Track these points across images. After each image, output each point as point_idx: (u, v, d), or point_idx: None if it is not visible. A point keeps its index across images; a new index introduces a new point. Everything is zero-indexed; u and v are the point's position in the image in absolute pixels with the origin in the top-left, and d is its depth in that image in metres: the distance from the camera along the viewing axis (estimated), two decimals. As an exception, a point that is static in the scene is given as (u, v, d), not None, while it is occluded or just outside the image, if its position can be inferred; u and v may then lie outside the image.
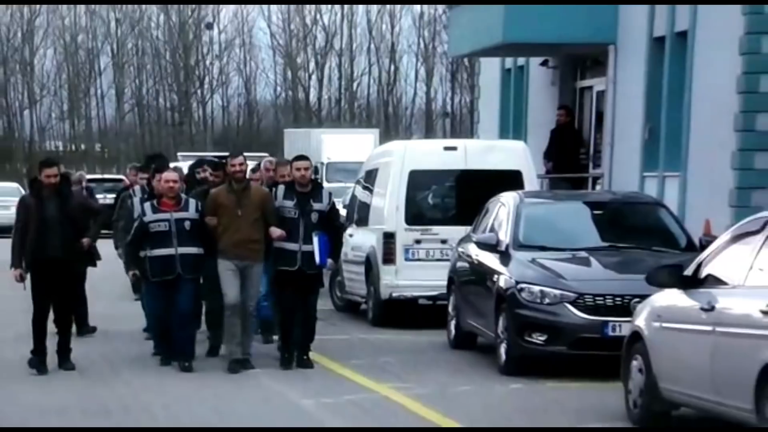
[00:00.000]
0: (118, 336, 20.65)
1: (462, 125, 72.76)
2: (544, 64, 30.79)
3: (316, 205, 17.00)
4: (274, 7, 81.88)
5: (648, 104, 26.03)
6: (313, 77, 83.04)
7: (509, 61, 33.24)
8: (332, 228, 17.30)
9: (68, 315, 17.43)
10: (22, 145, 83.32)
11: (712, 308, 12.41)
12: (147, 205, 17.23)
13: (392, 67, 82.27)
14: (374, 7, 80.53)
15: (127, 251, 18.23)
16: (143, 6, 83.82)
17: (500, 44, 28.80)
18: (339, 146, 46.12)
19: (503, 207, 18.35)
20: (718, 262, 12.88)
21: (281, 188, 17.22)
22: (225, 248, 16.92)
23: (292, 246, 16.94)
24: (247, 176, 18.05)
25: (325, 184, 32.26)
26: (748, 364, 11.59)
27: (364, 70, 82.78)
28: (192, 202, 17.16)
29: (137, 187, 20.45)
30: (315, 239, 16.78)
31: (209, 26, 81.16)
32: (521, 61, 32.35)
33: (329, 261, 17.12)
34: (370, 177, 22.93)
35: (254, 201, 16.93)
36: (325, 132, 50.44)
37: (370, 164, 23.78)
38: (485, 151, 22.10)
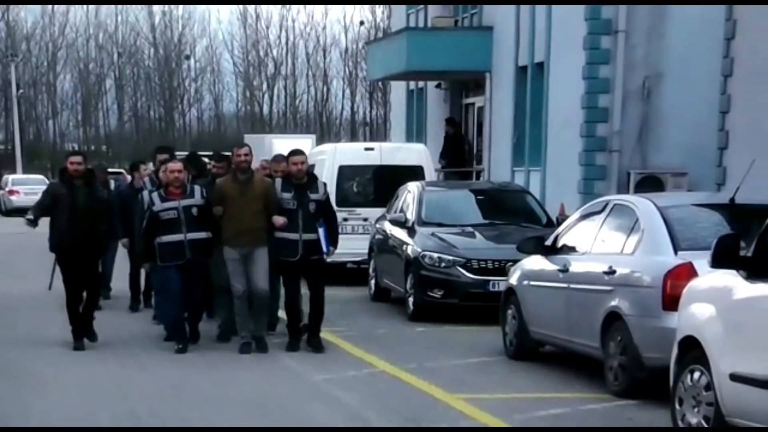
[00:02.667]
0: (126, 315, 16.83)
1: (378, 132, 72.42)
2: (438, 86, 30.70)
3: (313, 195, 13.80)
4: (236, 43, 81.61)
5: (515, 117, 25.98)
6: (266, 96, 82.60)
7: (412, 84, 33.11)
8: (328, 215, 13.99)
9: (98, 294, 14.52)
10: (47, 146, 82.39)
11: (567, 270, 12.32)
12: (155, 195, 13.87)
13: (325, 89, 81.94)
14: (311, 43, 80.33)
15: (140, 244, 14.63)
16: (138, 41, 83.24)
17: (404, 71, 28.70)
18: (285, 147, 45.47)
19: (410, 193, 18.16)
20: (571, 234, 12.77)
21: (279, 181, 13.88)
22: (229, 236, 13.65)
23: (292, 236, 13.62)
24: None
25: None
26: (595, 313, 11.52)
27: (304, 91, 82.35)
28: (197, 188, 13.89)
29: (146, 179, 16.40)
30: (320, 230, 13.65)
31: (187, 57, 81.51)
32: (421, 84, 32.23)
33: (331, 249, 13.88)
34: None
35: (257, 191, 13.71)
36: (275, 137, 49.86)
37: (309, 161, 23.48)
38: (395, 151, 21.84)
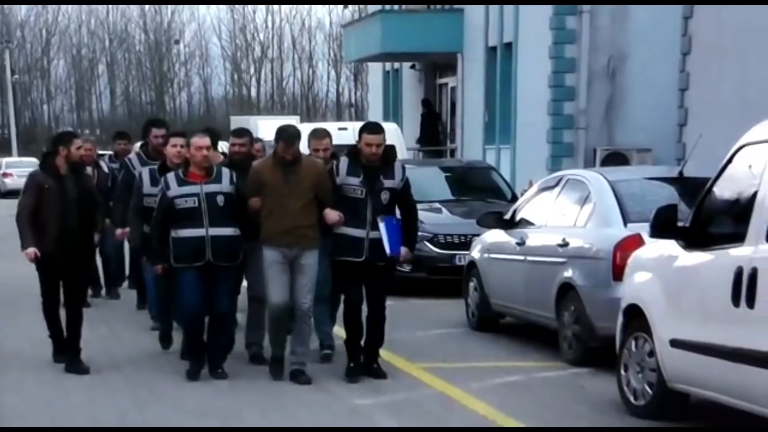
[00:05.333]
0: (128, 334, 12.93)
1: (363, 113, 72.51)
2: (412, 67, 30.79)
3: (388, 183, 10.21)
4: (224, 27, 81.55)
5: (486, 96, 26.01)
6: (253, 79, 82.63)
7: (388, 65, 33.12)
8: (406, 208, 10.48)
9: (79, 309, 10.87)
10: (42, 130, 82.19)
11: (524, 243, 12.31)
12: (171, 176, 10.33)
13: (311, 71, 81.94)
14: (297, 27, 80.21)
15: (142, 240, 11.28)
16: (129, 27, 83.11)
17: (379, 53, 28.73)
18: (270, 128, 45.40)
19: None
20: (528, 209, 12.77)
21: (344, 161, 10.22)
22: (271, 236, 10.11)
23: (357, 232, 10.15)
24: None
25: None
26: (550, 284, 11.53)
27: (290, 73, 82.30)
28: (225, 172, 10.35)
29: (133, 155, 13.61)
30: (381, 225, 10.11)
31: (177, 42, 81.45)
32: (396, 65, 32.26)
33: (403, 250, 10.27)
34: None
35: (307, 177, 10.10)
36: (260, 118, 49.73)
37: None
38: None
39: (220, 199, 10.20)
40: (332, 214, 10.10)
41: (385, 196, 10.23)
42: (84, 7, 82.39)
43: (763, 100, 10.94)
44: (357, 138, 10.27)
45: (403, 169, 10.48)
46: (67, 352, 10.83)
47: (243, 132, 11.49)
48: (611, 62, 21.82)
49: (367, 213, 10.18)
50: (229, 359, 10.70)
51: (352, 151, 10.31)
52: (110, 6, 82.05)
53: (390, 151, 10.41)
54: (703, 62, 17.23)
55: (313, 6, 76.22)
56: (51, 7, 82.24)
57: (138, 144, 15.42)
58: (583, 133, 22.01)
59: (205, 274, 10.18)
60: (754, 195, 7.63)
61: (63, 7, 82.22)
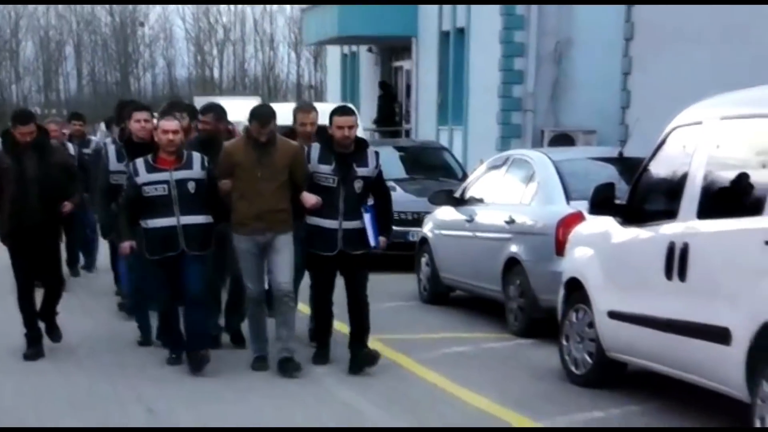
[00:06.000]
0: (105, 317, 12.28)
1: (323, 94, 72.34)
2: (369, 50, 30.74)
3: (361, 171, 9.48)
4: (188, 10, 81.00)
5: (440, 79, 26.07)
6: (216, 60, 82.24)
7: (346, 48, 33.07)
8: (380, 197, 9.75)
9: (58, 283, 10.42)
10: (10, 110, 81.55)
11: (472, 220, 12.43)
12: (140, 162, 9.47)
13: (272, 53, 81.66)
14: (258, 10, 79.81)
15: (112, 221, 10.33)
16: (95, 10, 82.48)
17: (336, 36, 28.70)
18: (232, 108, 45.18)
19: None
20: (477, 187, 12.88)
21: (315, 148, 9.45)
22: (242, 220, 9.39)
23: (329, 223, 9.42)
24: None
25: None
26: (497, 259, 11.66)
27: (252, 55, 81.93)
28: (197, 157, 9.49)
29: (109, 140, 12.60)
30: (366, 216, 9.45)
31: (142, 24, 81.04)
32: (354, 48, 32.22)
33: (381, 239, 9.60)
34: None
35: (281, 159, 9.33)
36: (223, 98, 49.49)
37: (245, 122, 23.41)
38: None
39: (191, 186, 9.38)
40: (310, 198, 9.35)
41: (358, 185, 9.48)
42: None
43: (701, 85, 11.07)
44: (328, 123, 9.45)
45: (377, 156, 9.67)
46: (42, 315, 10.41)
47: (207, 109, 10.66)
48: (558, 47, 21.94)
49: (340, 203, 9.43)
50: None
51: (326, 137, 9.46)
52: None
53: (360, 138, 9.73)
54: (645, 47, 17.38)
55: (275, -10, 75.85)
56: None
57: (103, 124, 14.74)
58: (531, 115, 22.13)
59: (178, 261, 9.43)
60: (685, 174, 7.77)
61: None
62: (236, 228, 9.46)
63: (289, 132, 10.00)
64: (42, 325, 10.49)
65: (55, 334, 10.52)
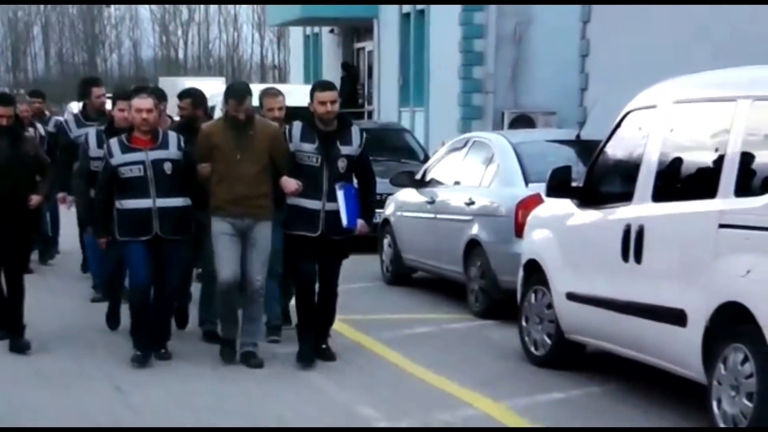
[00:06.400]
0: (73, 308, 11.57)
1: (286, 75, 72.19)
2: (331, 31, 30.64)
3: (345, 149, 8.90)
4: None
5: (401, 60, 26.01)
6: (180, 41, 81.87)
7: (308, 29, 32.95)
8: (365, 177, 9.13)
9: (20, 284, 9.61)
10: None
11: (434, 201, 12.42)
12: (114, 142, 9.01)
13: (236, 34, 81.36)
14: (222, -10, 79.62)
15: (87, 207, 10.26)
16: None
17: (299, 18, 28.62)
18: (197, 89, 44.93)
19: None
20: (438, 169, 12.86)
21: (297, 126, 8.92)
22: (220, 204, 8.94)
23: (312, 204, 8.87)
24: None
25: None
26: (458, 240, 11.66)
27: (216, 36, 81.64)
28: (173, 136, 9.08)
29: (69, 116, 12.46)
30: (339, 194, 8.84)
31: (107, 5, 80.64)
32: (316, 29, 32.10)
33: (359, 222, 8.95)
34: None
35: (261, 141, 8.89)
36: (187, 79, 49.20)
37: (216, 101, 23.30)
38: (287, 93, 21.71)
39: (167, 167, 8.90)
40: (290, 183, 8.79)
41: (342, 164, 8.89)
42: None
43: (657, 68, 11.06)
44: (309, 100, 8.91)
45: (362, 134, 9.08)
46: (6, 327, 9.65)
47: (184, 94, 10.36)
48: (518, 28, 21.89)
49: (323, 182, 8.84)
50: (179, 337, 9.81)
51: (307, 116, 8.91)
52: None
53: (343, 115, 9.16)
54: (602, 30, 17.37)
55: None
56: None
57: (73, 104, 14.39)
58: (492, 97, 22.08)
59: (153, 247, 8.92)
60: (640, 157, 7.77)
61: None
62: (214, 211, 9.00)
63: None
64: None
65: (19, 341, 9.53)
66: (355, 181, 9.12)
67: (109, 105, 11.90)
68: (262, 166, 8.92)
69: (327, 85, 9.15)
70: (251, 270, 9.00)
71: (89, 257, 12.23)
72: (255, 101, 9.43)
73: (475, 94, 22.26)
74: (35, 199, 9.53)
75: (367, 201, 9.12)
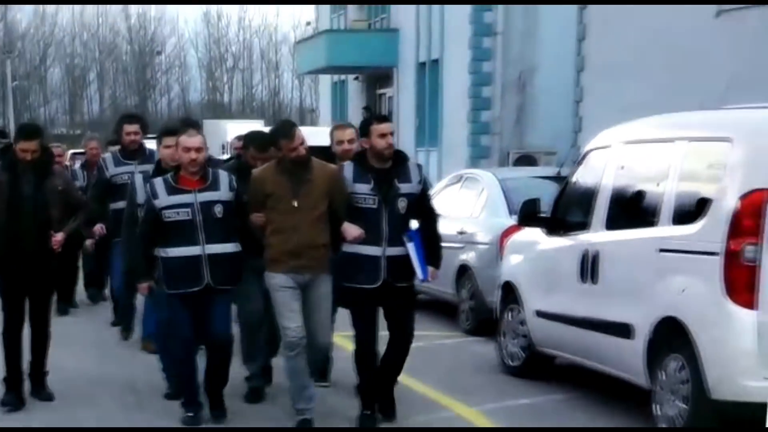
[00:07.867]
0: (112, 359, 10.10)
1: (318, 118, 72.86)
2: (356, 79, 31.08)
3: (404, 187, 7.40)
4: (200, 40, 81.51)
5: (417, 105, 26.40)
6: (226, 86, 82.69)
7: (335, 77, 33.40)
8: (426, 218, 7.54)
9: (45, 327, 8.34)
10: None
11: (430, 231, 12.68)
12: (159, 182, 7.53)
13: (277, 80, 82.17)
14: (265, 40, 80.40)
15: (130, 253, 8.11)
16: (117, 40, 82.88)
17: (325, 66, 29.03)
18: (237, 131, 45.16)
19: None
20: (436, 201, 13.10)
21: (349, 166, 7.42)
22: (278, 257, 7.33)
23: (372, 250, 7.35)
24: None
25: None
26: (450, 265, 11.86)
27: (258, 82, 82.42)
28: (224, 176, 7.57)
29: (108, 155, 10.97)
30: (410, 245, 7.35)
31: (159, 53, 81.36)
32: (342, 77, 32.56)
33: (431, 269, 7.55)
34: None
35: (319, 185, 7.32)
36: (229, 122, 49.70)
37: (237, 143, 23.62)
38: (311, 134, 21.96)
39: (217, 210, 7.44)
40: (352, 229, 7.27)
41: (402, 204, 7.39)
42: (77, 20, 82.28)
43: (644, 111, 11.42)
44: (363, 137, 7.62)
45: (420, 168, 7.70)
46: (31, 374, 8.40)
47: (251, 140, 8.33)
48: (521, 76, 22.28)
49: (383, 226, 7.34)
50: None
51: (359, 153, 7.58)
52: (101, 20, 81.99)
53: (398, 150, 7.66)
54: (594, 77, 17.73)
55: (280, 22, 76.39)
56: (48, 21, 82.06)
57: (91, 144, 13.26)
58: (498, 138, 22.48)
59: (201, 298, 7.46)
60: (596, 191, 8.10)
61: (59, 20, 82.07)
62: (270, 265, 7.41)
63: (327, 154, 8.06)
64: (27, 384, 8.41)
65: (43, 393, 8.38)
66: (412, 222, 7.46)
67: (150, 144, 10.48)
68: (321, 212, 7.34)
69: (383, 118, 7.76)
70: (318, 335, 7.49)
71: (141, 308, 9.95)
72: (309, 139, 7.56)
73: (483, 136, 22.66)
74: (58, 236, 8.13)
75: (435, 245, 7.61)
